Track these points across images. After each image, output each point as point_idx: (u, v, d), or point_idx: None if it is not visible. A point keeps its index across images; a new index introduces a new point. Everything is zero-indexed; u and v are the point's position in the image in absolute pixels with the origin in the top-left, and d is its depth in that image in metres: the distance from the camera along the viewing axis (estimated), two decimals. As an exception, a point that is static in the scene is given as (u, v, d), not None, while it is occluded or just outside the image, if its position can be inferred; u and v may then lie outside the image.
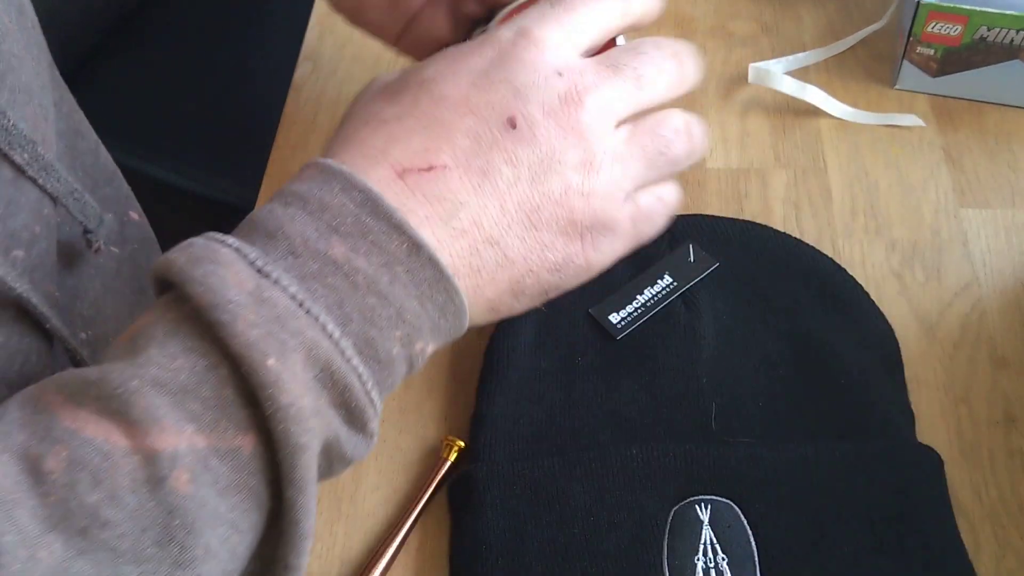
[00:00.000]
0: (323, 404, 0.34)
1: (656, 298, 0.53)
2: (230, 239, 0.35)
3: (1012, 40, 0.60)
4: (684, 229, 0.56)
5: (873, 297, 0.53)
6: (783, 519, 0.45)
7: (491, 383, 0.50)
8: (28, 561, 0.29)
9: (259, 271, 0.34)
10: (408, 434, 0.51)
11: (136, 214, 0.52)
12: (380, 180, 0.37)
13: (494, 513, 0.45)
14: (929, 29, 0.61)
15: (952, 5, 0.59)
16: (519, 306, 0.42)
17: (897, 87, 0.64)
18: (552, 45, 0.41)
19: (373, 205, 0.36)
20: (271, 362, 0.32)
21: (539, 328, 0.52)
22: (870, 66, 0.66)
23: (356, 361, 0.35)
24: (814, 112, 0.64)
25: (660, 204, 0.44)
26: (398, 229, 0.36)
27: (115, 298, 0.47)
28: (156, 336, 0.33)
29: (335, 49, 0.70)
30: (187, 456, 0.32)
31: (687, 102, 0.65)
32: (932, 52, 0.62)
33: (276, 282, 0.34)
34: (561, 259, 0.41)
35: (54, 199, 0.42)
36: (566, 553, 0.44)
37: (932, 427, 0.49)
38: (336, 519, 0.48)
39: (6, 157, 0.38)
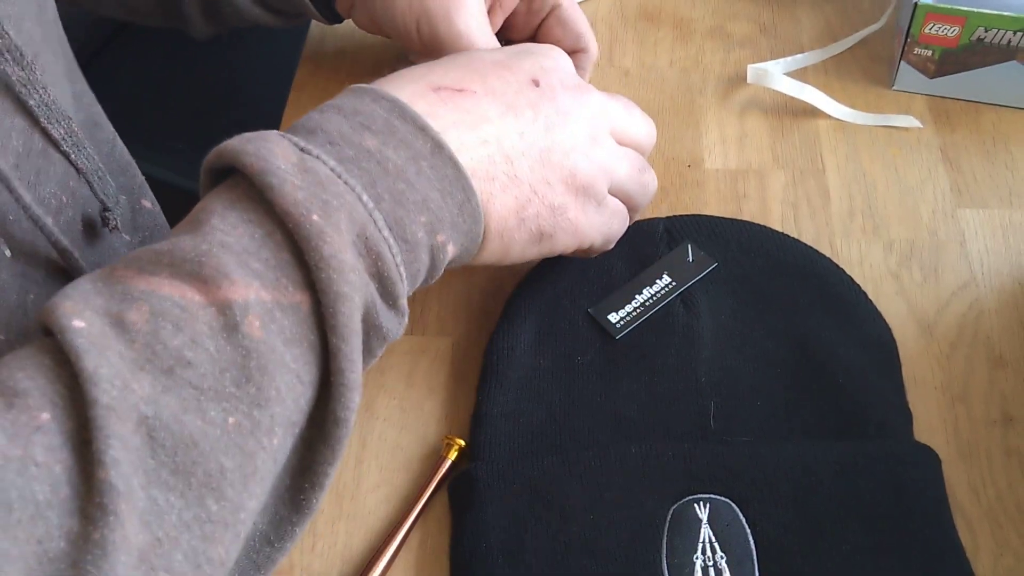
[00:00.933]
0: (360, 268, 0.37)
1: (655, 298, 0.53)
2: (275, 132, 0.39)
3: (1009, 41, 0.60)
4: (683, 229, 0.56)
5: (871, 297, 0.53)
6: (781, 518, 0.45)
7: (491, 382, 0.51)
8: (123, 390, 0.32)
9: (302, 149, 0.38)
10: (409, 433, 0.51)
11: (149, 202, 0.54)
12: (414, 93, 0.42)
13: (494, 511, 0.46)
14: (927, 30, 0.61)
15: (949, 6, 0.60)
16: (518, 239, 0.45)
17: (895, 88, 0.65)
18: (565, 59, 0.48)
19: (400, 111, 0.41)
20: (315, 217, 0.36)
21: (539, 328, 0.52)
22: (868, 67, 0.67)
23: (387, 233, 0.38)
24: (812, 113, 0.64)
25: (623, 214, 0.50)
26: (423, 130, 0.40)
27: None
28: (216, 211, 0.37)
29: (336, 50, 0.70)
30: (256, 306, 0.35)
31: (688, 103, 0.65)
32: (930, 53, 0.62)
33: (317, 157, 0.38)
34: (559, 203, 0.45)
35: (80, 173, 0.45)
36: (566, 551, 0.44)
37: (930, 427, 0.50)
38: (338, 517, 0.48)
39: (43, 130, 0.42)
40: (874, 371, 0.50)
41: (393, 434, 0.51)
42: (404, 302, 0.40)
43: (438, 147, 0.40)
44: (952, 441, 0.49)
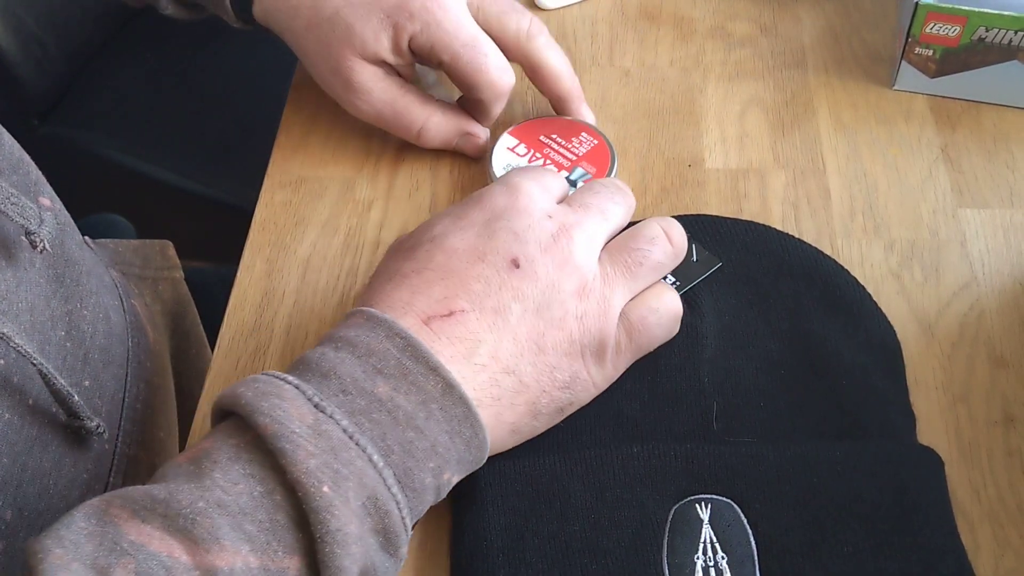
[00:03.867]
0: (366, 530, 0.38)
1: None
2: (290, 377, 0.40)
3: (1010, 41, 0.60)
4: (687, 229, 0.56)
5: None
6: (783, 519, 0.45)
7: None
8: None
9: (316, 406, 0.38)
10: (408, 433, 0.51)
11: (48, 200, 0.52)
12: (411, 327, 0.42)
13: (495, 510, 0.46)
14: (928, 30, 0.61)
15: (951, 6, 0.60)
16: (539, 425, 0.46)
17: (895, 88, 0.65)
18: (536, 196, 0.47)
19: (413, 350, 0.41)
20: (326, 489, 0.36)
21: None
22: (868, 67, 0.67)
23: (396, 489, 0.39)
24: (813, 113, 0.64)
25: (653, 315, 0.48)
26: (434, 371, 0.41)
27: (31, 288, 0.48)
28: (220, 461, 0.37)
29: (335, 49, 0.70)
30: (242, 573, 0.35)
31: (688, 102, 0.65)
32: (931, 53, 0.62)
33: (331, 416, 0.38)
34: (568, 377, 0.45)
35: None
36: (566, 550, 0.44)
37: (931, 427, 0.49)
38: (336, 518, 0.48)
39: None
40: (878, 373, 0.50)
41: (393, 434, 0.51)
42: (405, 549, 0.40)
43: (448, 388, 0.41)
44: (953, 441, 0.49)
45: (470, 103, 0.61)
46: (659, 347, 0.51)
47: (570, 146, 0.59)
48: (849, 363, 0.50)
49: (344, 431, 0.38)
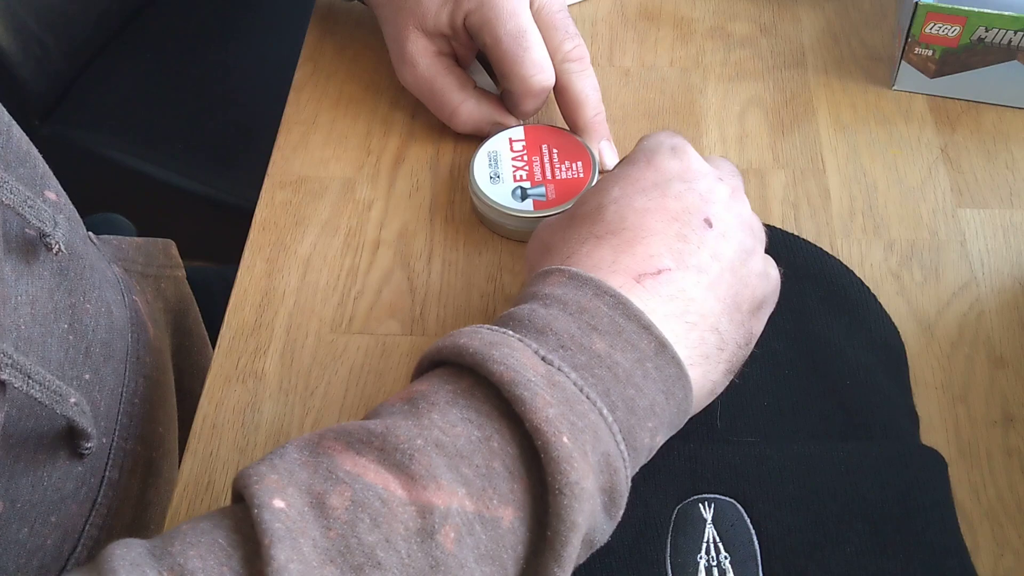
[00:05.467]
0: (596, 488, 0.37)
1: None
2: (509, 331, 0.39)
3: (1010, 41, 0.60)
4: None
5: (872, 297, 0.53)
6: (786, 518, 0.45)
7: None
8: None
9: (543, 359, 0.38)
10: (409, 433, 0.51)
11: (54, 194, 0.52)
12: (621, 286, 0.42)
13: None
14: (927, 30, 0.61)
15: (950, 6, 0.60)
16: (725, 384, 0.45)
17: (895, 88, 0.65)
18: (696, 158, 0.48)
19: (624, 308, 0.40)
20: (566, 439, 0.35)
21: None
22: (868, 67, 0.67)
23: (623, 447, 0.38)
24: (813, 113, 0.64)
25: (767, 276, 0.48)
26: (647, 329, 0.40)
27: (33, 281, 0.48)
28: (438, 403, 0.37)
29: (336, 50, 0.70)
30: (456, 516, 0.34)
31: (688, 103, 0.65)
32: (930, 53, 0.62)
33: (559, 369, 0.38)
34: (750, 333, 0.46)
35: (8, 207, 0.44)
36: (568, 551, 0.44)
37: (930, 426, 0.50)
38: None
39: None
40: (881, 373, 0.50)
41: (393, 434, 0.51)
42: (622, 511, 0.39)
43: (661, 346, 0.40)
44: (952, 441, 0.49)
45: (505, 95, 0.61)
46: None
47: (557, 167, 0.59)
48: (853, 363, 0.50)
49: (574, 384, 0.37)
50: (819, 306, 0.53)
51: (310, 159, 0.64)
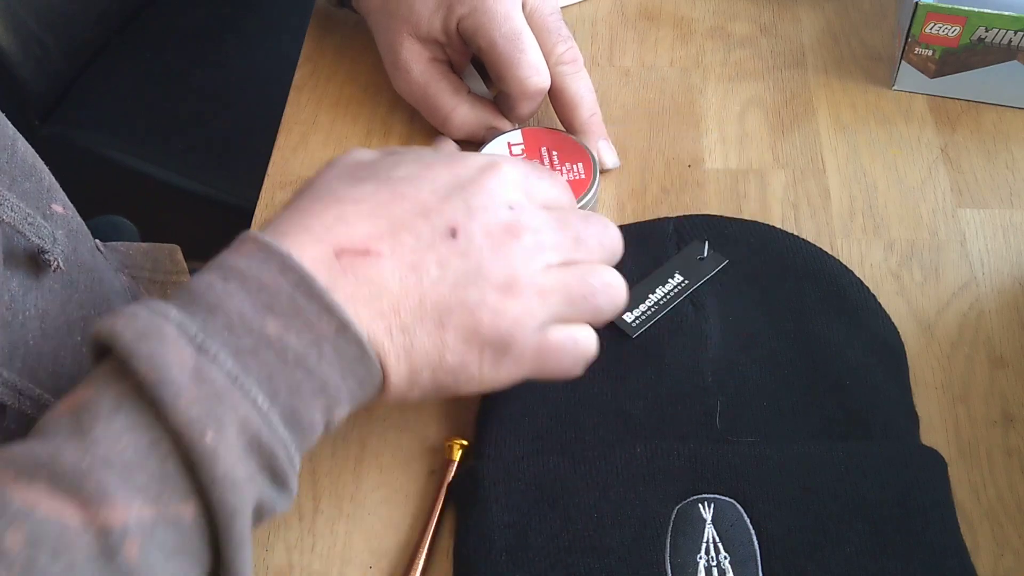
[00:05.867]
0: (253, 469, 0.37)
1: (668, 296, 0.53)
2: (172, 312, 0.37)
3: (1010, 41, 0.60)
4: (692, 229, 0.56)
5: (872, 297, 0.53)
6: (786, 519, 0.45)
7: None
8: None
9: (199, 347, 0.37)
10: (408, 433, 0.51)
11: (60, 206, 0.52)
12: (316, 257, 0.40)
13: (499, 509, 0.46)
14: (927, 30, 0.61)
15: (950, 6, 0.60)
16: (414, 395, 0.43)
17: (895, 88, 0.65)
18: (513, 185, 0.45)
19: (307, 287, 0.39)
20: (208, 437, 0.35)
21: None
22: (868, 67, 0.67)
23: (282, 431, 0.38)
24: (813, 113, 0.64)
25: (572, 343, 0.45)
26: (328, 310, 0.39)
27: (43, 295, 0.48)
28: (101, 413, 0.36)
29: (335, 50, 0.70)
30: (136, 528, 0.34)
31: (688, 103, 0.65)
32: (930, 53, 0.62)
33: (214, 359, 0.37)
34: (457, 364, 0.43)
35: (9, 225, 0.45)
36: (569, 549, 0.44)
37: (930, 426, 0.50)
38: (337, 518, 0.48)
39: None
40: (881, 373, 0.50)
41: (393, 434, 0.51)
42: (294, 483, 0.39)
43: (343, 327, 0.39)
44: (952, 441, 0.49)
45: (501, 99, 0.61)
46: (664, 347, 0.51)
47: (558, 169, 0.59)
48: (853, 363, 0.50)
49: (228, 374, 0.37)
50: (819, 306, 0.53)
51: (310, 159, 0.64)
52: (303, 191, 0.45)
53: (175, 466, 0.36)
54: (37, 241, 0.46)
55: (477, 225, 0.43)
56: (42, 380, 0.46)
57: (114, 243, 0.66)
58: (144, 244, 0.69)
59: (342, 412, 0.41)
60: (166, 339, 0.36)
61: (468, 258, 0.42)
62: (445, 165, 0.45)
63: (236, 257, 0.40)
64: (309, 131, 0.65)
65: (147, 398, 0.36)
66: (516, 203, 0.45)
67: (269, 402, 0.38)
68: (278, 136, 0.65)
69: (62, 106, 1.15)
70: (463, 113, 0.61)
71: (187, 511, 0.36)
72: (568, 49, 0.60)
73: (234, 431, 0.36)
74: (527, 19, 0.58)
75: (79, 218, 0.55)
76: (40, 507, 0.34)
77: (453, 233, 0.42)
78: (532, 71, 0.58)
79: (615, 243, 0.48)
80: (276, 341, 0.38)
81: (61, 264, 0.46)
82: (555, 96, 0.60)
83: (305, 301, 0.39)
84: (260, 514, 0.39)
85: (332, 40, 0.71)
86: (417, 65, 0.61)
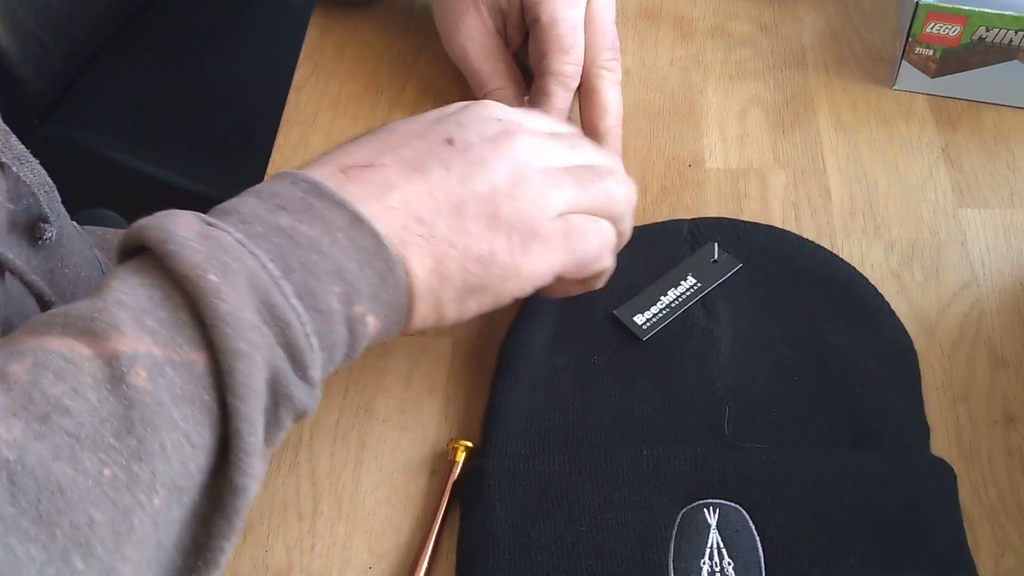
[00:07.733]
0: (266, 332, 0.36)
1: (680, 299, 0.53)
2: (187, 212, 0.39)
3: (1011, 41, 0.60)
4: (707, 231, 0.56)
5: (872, 297, 0.53)
6: (791, 525, 0.45)
7: (505, 379, 0.50)
8: None
9: (209, 224, 0.38)
10: (408, 433, 0.51)
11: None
12: (323, 174, 0.42)
13: (503, 508, 0.46)
14: (928, 30, 0.61)
15: (951, 6, 0.60)
16: (447, 296, 0.43)
17: (896, 88, 0.65)
18: (500, 109, 0.47)
19: (318, 191, 0.40)
20: (212, 277, 0.35)
21: (555, 327, 0.52)
22: (869, 67, 0.67)
23: (295, 301, 0.37)
24: (813, 113, 0.64)
25: (595, 228, 0.46)
26: (340, 205, 0.40)
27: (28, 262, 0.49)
28: (117, 275, 0.37)
29: (336, 49, 0.70)
30: (145, 358, 0.34)
31: (688, 102, 0.65)
32: (931, 53, 0.62)
33: (223, 230, 0.38)
34: (486, 251, 0.43)
35: (27, 185, 0.46)
36: (572, 550, 0.44)
37: (931, 427, 0.49)
38: (337, 518, 0.48)
39: None
40: (892, 382, 0.50)
41: (393, 435, 0.51)
42: (316, 374, 0.38)
43: (356, 219, 0.40)
44: (953, 441, 0.49)
45: (535, 90, 0.61)
46: (673, 350, 0.51)
47: None
48: (864, 372, 0.50)
49: (237, 240, 0.37)
50: (832, 313, 0.52)
51: (310, 159, 0.63)
52: None
53: (188, 317, 0.35)
54: (47, 211, 0.46)
55: (471, 133, 0.44)
56: None
57: (91, 227, 0.66)
58: (122, 230, 0.69)
59: (366, 312, 0.40)
60: (177, 214, 0.38)
61: (469, 155, 0.44)
62: (437, 109, 0.47)
63: (255, 187, 0.42)
64: (309, 131, 0.65)
65: (157, 255, 0.36)
66: (505, 117, 0.46)
67: (281, 272, 0.37)
68: (278, 136, 0.65)
69: (62, 106, 1.15)
70: (503, 96, 0.61)
71: (199, 360, 0.35)
72: (614, 59, 0.60)
73: (242, 280, 0.36)
74: (587, 14, 0.59)
75: (68, 219, 0.56)
76: (50, 344, 0.33)
77: (450, 141, 0.44)
78: (576, 59, 0.59)
79: (611, 154, 0.49)
80: (288, 228, 0.39)
81: (53, 236, 0.47)
82: (586, 96, 0.60)
83: (316, 200, 0.40)
84: (278, 394, 0.37)
85: (332, 40, 0.71)
86: (480, 36, 0.61)
